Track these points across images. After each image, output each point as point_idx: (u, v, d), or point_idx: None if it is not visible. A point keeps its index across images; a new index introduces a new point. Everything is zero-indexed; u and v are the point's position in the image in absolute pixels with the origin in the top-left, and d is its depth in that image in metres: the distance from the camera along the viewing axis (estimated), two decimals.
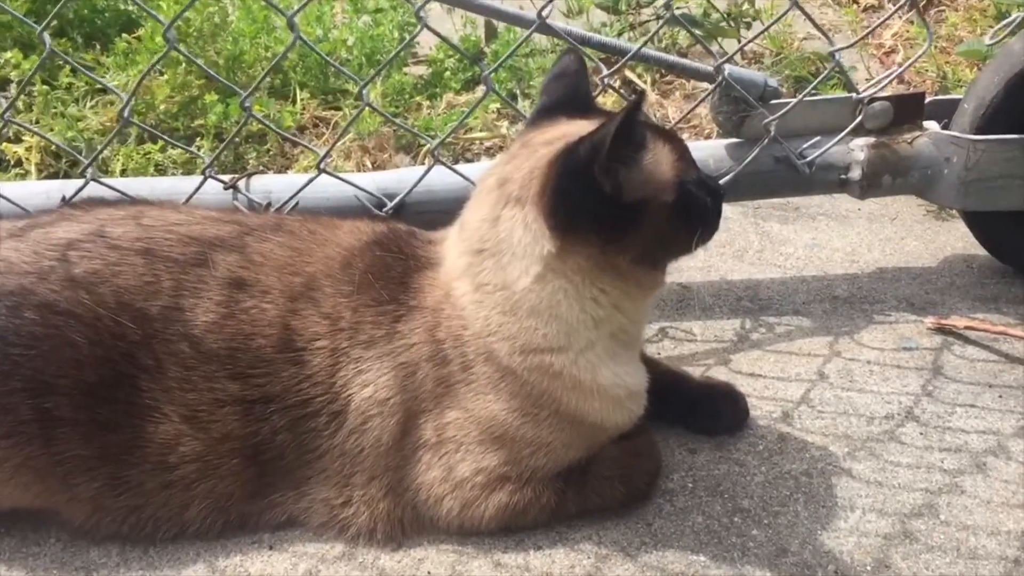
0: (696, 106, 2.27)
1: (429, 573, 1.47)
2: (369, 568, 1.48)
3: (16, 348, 1.42)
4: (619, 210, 1.41)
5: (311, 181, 1.94)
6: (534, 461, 1.51)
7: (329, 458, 1.51)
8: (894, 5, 2.12)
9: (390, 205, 1.97)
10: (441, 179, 2.01)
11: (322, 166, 1.91)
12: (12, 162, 2.65)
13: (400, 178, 2.02)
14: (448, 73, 3.11)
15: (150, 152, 2.62)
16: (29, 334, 1.43)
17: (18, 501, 1.50)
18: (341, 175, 1.99)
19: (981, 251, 2.29)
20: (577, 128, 1.47)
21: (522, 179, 1.46)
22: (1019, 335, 1.99)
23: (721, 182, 1.97)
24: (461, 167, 2.02)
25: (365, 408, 1.49)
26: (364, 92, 1.83)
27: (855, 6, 3.67)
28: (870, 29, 2.28)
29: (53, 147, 2.65)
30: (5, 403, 1.42)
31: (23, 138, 2.69)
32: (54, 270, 1.48)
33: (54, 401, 1.43)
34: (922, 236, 2.45)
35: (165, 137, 2.12)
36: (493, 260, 1.48)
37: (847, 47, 2.04)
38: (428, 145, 1.94)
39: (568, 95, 1.59)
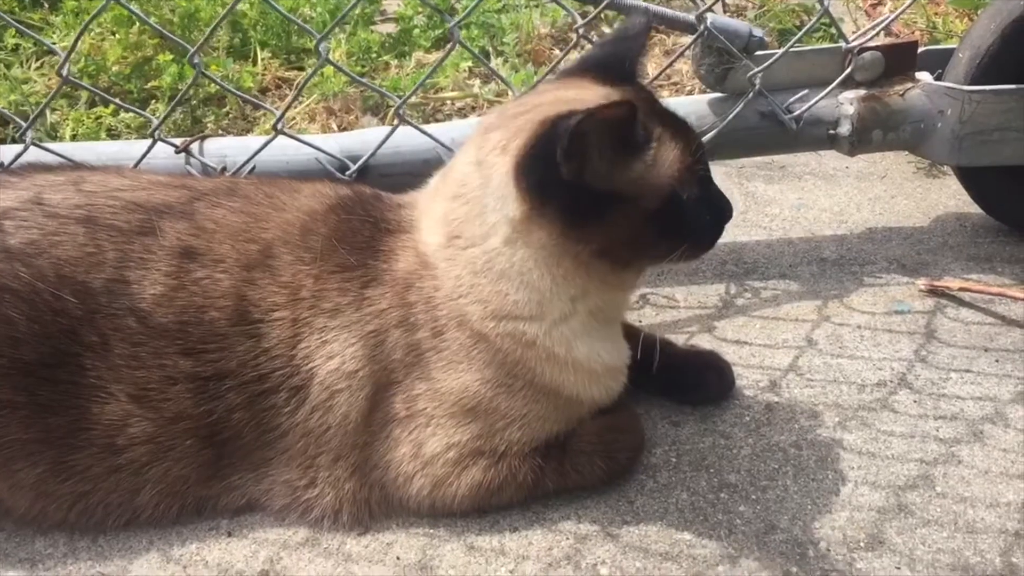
0: (675, 59, 2.16)
1: (398, 558, 1.39)
2: (335, 554, 1.40)
3: None
4: (586, 198, 1.32)
5: (268, 143, 1.82)
6: (509, 434, 1.42)
7: (292, 437, 1.41)
8: None
9: (353, 168, 1.85)
10: (408, 140, 1.90)
11: (279, 126, 1.79)
12: None
13: (364, 139, 1.91)
14: (417, 31, 2.98)
15: (101, 116, 2.48)
16: None
17: None
18: (301, 136, 1.88)
19: (974, 209, 2.21)
20: (591, 95, 1.38)
21: (515, 129, 1.36)
22: (1016, 296, 1.91)
23: (703, 139, 1.87)
24: (429, 127, 1.92)
25: (331, 382, 1.39)
26: (322, 47, 1.70)
27: None
28: None
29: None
30: None
31: None
32: None
33: None
34: (912, 194, 2.36)
35: (114, 100, 1.98)
36: (467, 208, 1.39)
37: None
38: (395, 105, 1.81)
39: (612, 58, 1.49)
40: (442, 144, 1.88)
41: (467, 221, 1.39)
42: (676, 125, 1.40)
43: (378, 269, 1.43)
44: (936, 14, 2.94)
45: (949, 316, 1.91)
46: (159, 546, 1.41)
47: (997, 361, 1.78)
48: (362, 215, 1.48)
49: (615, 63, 1.47)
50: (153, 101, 2.60)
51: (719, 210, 1.44)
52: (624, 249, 1.38)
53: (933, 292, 1.96)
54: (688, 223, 1.38)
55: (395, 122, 1.89)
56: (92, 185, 1.47)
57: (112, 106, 2.49)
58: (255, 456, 1.43)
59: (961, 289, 1.94)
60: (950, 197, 2.33)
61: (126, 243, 1.40)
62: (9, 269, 1.35)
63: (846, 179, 2.43)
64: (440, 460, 1.42)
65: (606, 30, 3.06)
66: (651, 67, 2.85)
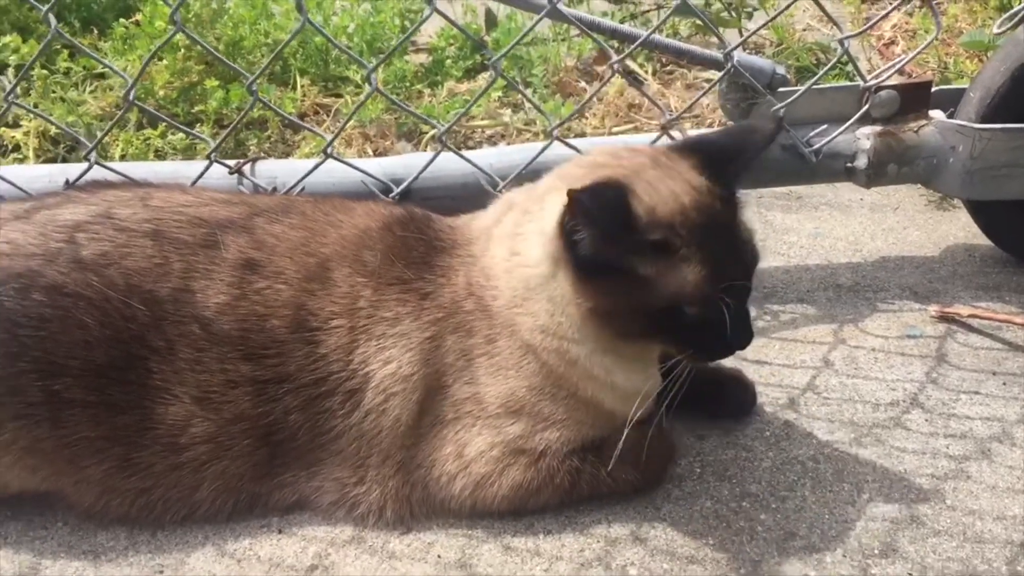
0: (703, 94, 2.26)
1: (439, 556, 1.48)
2: (379, 552, 1.48)
3: (25, 330, 1.41)
4: (588, 259, 1.39)
5: (317, 166, 1.93)
6: (548, 435, 1.51)
7: (345, 440, 1.51)
8: (934, 18, 2.11)
9: (397, 190, 1.96)
10: (448, 165, 2.00)
11: (328, 151, 1.90)
12: (10, 147, 2.64)
13: (407, 164, 2.02)
14: (449, 61, 3.10)
15: (150, 137, 2.60)
16: (38, 316, 1.42)
17: (25, 484, 1.50)
18: (348, 160, 1.98)
19: (983, 241, 2.30)
20: (666, 177, 1.42)
21: (584, 171, 1.48)
22: (1022, 323, 2.00)
23: None
24: (468, 153, 2.02)
25: (387, 385, 1.49)
26: (372, 77, 1.82)
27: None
28: (876, 20, 2.27)
29: (52, 132, 2.63)
30: (14, 385, 1.41)
31: (21, 123, 2.67)
32: (62, 252, 1.47)
33: (63, 383, 1.42)
34: (924, 226, 2.46)
35: (170, 120, 2.10)
36: (531, 226, 1.49)
37: (855, 35, 2.04)
38: (432, 131, 1.94)
39: (724, 152, 1.49)
40: (481, 169, 1.98)
41: (527, 239, 1.49)
42: (720, 250, 1.39)
43: (436, 283, 1.53)
44: (947, 54, 3.05)
45: (959, 341, 2.00)
46: (214, 541, 1.50)
47: (1004, 384, 1.87)
48: (416, 233, 1.59)
49: (724, 158, 1.47)
50: (199, 125, 2.72)
51: (732, 337, 1.43)
52: (621, 322, 1.42)
53: (944, 318, 2.05)
54: (687, 336, 1.42)
55: (434, 147, 1.99)
56: (158, 201, 1.58)
57: (160, 128, 2.61)
58: (308, 456, 1.52)
59: (971, 316, 2.03)
60: (960, 229, 2.42)
61: (191, 255, 1.50)
62: (83, 278, 1.45)
63: (861, 210, 2.53)
64: (483, 459, 1.50)
65: (630, 63, 3.17)
66: (674, 101, 2.97)
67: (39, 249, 1.47)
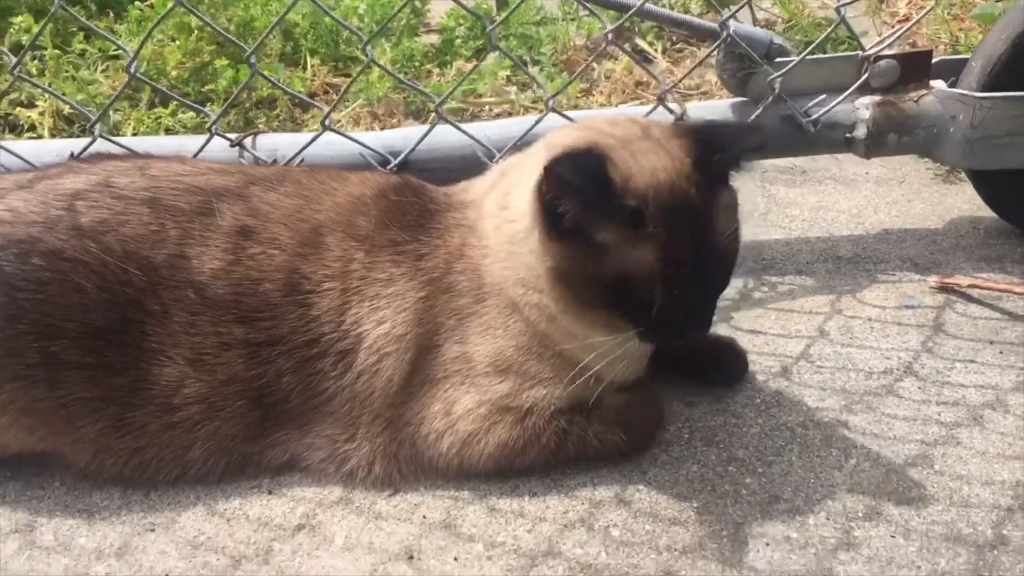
0: (699, 64, 2.26)
1: (424, 517, 1.50)
2: (365, 512, 1.51)
3: (23, 293, 1.45)
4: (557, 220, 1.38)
5: (316, 138, 1.95)
6: (535, 392, 1.53)
7: (338, 401, 1.53)
8: None
9: (394, 162, 1.98)
10: (446, 137, 2.02)
11: (327, 123, 1.93)
12: (26, 126, 2.70)
13: (405, 136, 2.04)
14: (459, 41, 3.12)
15: (161, 116, 2.65)
16: (36, 279, 1.46)
17: (23, 445, 1.53)
18: (346, 133, 2.01)
19: (988, 213, 2.28)
20: (653, 151, 1.40)
21: (575, 134, 1.49)
22: (1022, 292, 1.98)
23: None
24: (466, 125, 2.04)
25: (380, 346, 1.51)
26: (369, 50, 1.83)
27: None
28: None
29: (66, 112, 2.69)
30: (12, 346, 1.45)
31: (36, 103, 2.73)
32: (61, 219, 1.50)
33: (60, 344, 1.46)
34: (929, 199, 2.43)
35: (175, 96, 2.14)
36: (519, 184, 1.51)
37: (851, 1, 2.02)
38: (434, 105, 1.94)
39: (716, 139, 1.44)
40: (478, 141, 2.00)
41: (515, 197, 1.51)
42: (684, 236, 1.35)
43: (431, 244, 1.56)
44: (960, 29, 3.01)
45: (957, 311, 1.98)
46: (205, 501, 1.53)
47: (1001, 353, 1.85)
48: (411, 198, 1.61)
49: (714, 148, 1.42)
50: (209, 104, 2.76)
51: (680, 325, 1.41)
52: (578, 286, 1.41)
53: (943, 289, 2.03)
54: (637, 314, 1.40)
55: (434, 120, 2.01)
56: (156, 170, 1.61)
57: (171, 107, 2.66)
58: (301, 417, 1.54)
59: (970, 286, 2.01)
60: (965, 202, 2.40)
61: (187, 222, 1.53)
62: (81, 244, 1.48)
63: (865, 184, 2.51)
64: (470, 417, 1.52)
65: (640, 42, 3.17)
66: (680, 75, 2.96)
67: (39, 217, 1.51)
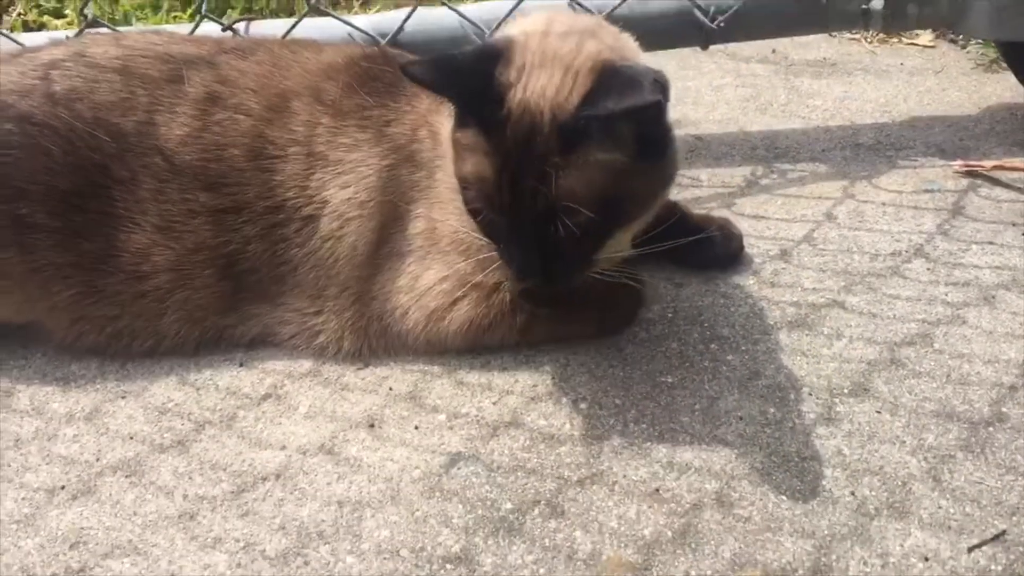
0: None
1: (391, 389, 1.47)
2: (332, 384, 1.49)
3: None
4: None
5: (302, 18, 1.91)
6: (499, 273, 1.45)
7: (303, 270, 1.51)
8: None
9: (383, 41, 1.93)
10: (439, 18, 1.96)
11: (313, 2, 1.88)
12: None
13: (395, 18, 1.98)
14: None
15: (180, 19, 2.65)
16: (4, 143, 1.46)
17: (3, 313, 1.55)
18: (335, 14, 1.96)
19: None
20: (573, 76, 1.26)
21: (520, 27, 1.38)
22: None
23: (726, 14, 1.86)
24: (460, 6, 1.97)
25: (343, 211, 1.48)
26: None
27: None
28: None
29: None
30: None
31: (64, 13, 2.76)
32: (36, 88, 1.50)
33: (28, 207, 1.46)
34: (966, 87, 2.28)
35: None
36: None
37: None
38: None
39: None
40: (469, 20, 1.93)
41: None
42: (507, 175, 1.23)
43: (400, 110, 1.51)
44: None
45: (980, 195, 1.85)
46: (178, 372, 1.53)
47: (1023, 235, 1.72)
48: (383, 64, 1.56)
49: (608, 95, 1.23)
50: (230, 11, 2.75)
51: (508, 260, 1.32)
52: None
53: (969, 172, 1.90)
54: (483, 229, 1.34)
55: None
56: (130, 40, 1.60)
57: (189, 11, 2.66)
58: (271, 289, 1.52)
59: (995, 168, 1.87)
60: (1006, 90, 2.23)
61: (157, 89, 1.52)
62: (51, 111, 1.48)
63: (899, 75, 2.36)
64: (434, 292, 1.48)
65: None
66: None
67: (15, 86, 1.51)
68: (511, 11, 1.88)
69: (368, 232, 1.49)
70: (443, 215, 1.47)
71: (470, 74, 1.26)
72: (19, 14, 2.72)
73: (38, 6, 2.77)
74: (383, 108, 1.51)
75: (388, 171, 1.48)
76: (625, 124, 1.23)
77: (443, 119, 1.46)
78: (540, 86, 1.23)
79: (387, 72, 1.55)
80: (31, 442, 1.40)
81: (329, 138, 1.50)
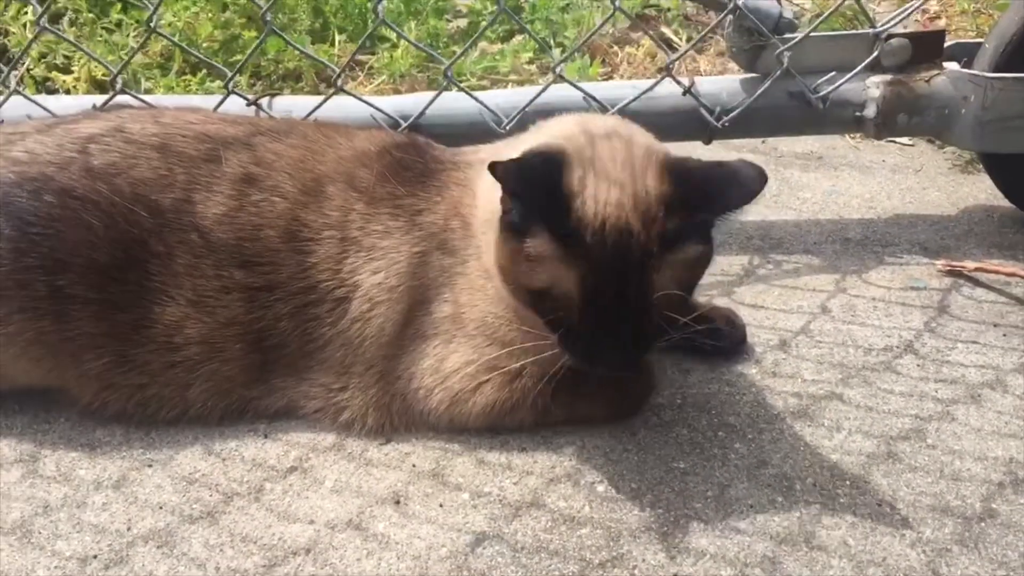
0: (705, 33, 2.29)
1: (414, 466, 1.52)
2: (357, 459, 1.54)
3: (34, 228, 1.50)
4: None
5: (327, 99, 1.99)
6: (524, 361, 1.52)
7: (332, 347, 1.56)
8: None
9: (404, 125, 2.01)
10: (457, 103, 2.05)
11: (339, 83, 1.96)
12: (62, 91, 2.77)
13: (417, 102, 2.06)
14: (485, 23, 3.14)
15: (190, 82, 2.71)
16: (47, 215, 1.51)
17: (31, 377, 1.58)
18: (358, 95, 2.04)
19: (1004, 203, 2.26)
20: (633, 179, 1.36)
21: (559, 131, 1.49)
22: None
23: (731, 115, 1.98)
24: (477, 93, 2.06)
25: (374, 294, 1.54)
26: (380, 7, 1.86)
27: None
28: None
29: (99, 75, 2.76)
30: (21, 279, 1.50)
31: (72, 69, 2.81)
32: (74, 161, 1.55)
33: (67, 279, 1.50)
34: (944, 187, 2.42)
35: (199, 55, 2.19)
36: (515, 149, 1.48)
37: None
38: (443, 67, 1.96)
39: (698, 194, 1.37)
40: (488, 108, 2.02)
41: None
42: (611, 284, 1.31)
43: (430, 200, 1.58)
44: (987, 24, 2.98)
45: (963, 294, 1.97)
46: (203, 442, 1.57)
47: (1005, 335, 1.84)
48: (414, 155, 1.64)
49: (693, 198, 1.36)
50: (238, 75, 2.81)
51: (591, 357, 1.37)
52: (510, 281, 1.41)
53: (951, 272, 2.02)
54: (556, 326, 1.38)
55: (444, 84, 2.03)
56: (168, 118, 1.66)
57: (199, 75, 2.72)
58: (298, 363, 1.58)
59: (977, 269, 2.00)
60: (981, 191, 2.38)
61: (194, 168, 1.57)
62: (91, 185, 1.53)
63: (881, 171, 2.50)
64: (459, 375, 1.54)
65: (665, 30, 3.18)
66: (704, 65, 2.97)
67: (54, 158, 1.56)
68: (531, 101, 1.98)
69: (395, 315, 1.55)
70: (471, 300, 1.55)
71: (541, 183, 1.33)
72: (28, 69, 2.76)
73: (46, 62, 2.80)
74: (414, 197, 1.58)
75: (419, 257, 1.55)
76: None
77: (475, 210, 1.55)
78: (614, 196, 1.32)
79: (418, 162, 1.63)
80: (60, 509, 1.42)
81: (363, 224, 1.56)
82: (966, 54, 2.11)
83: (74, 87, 2.75)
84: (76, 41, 2.48)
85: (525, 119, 1.98)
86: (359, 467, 1.52)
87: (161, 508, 1.43)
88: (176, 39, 2.80)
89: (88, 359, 1.54)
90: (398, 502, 1.44)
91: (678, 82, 2.01)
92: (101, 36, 2.84)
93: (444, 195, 1.59)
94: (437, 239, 1.56)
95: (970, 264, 2.00)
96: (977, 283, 2.00)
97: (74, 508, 1.43)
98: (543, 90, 1.99)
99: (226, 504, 1.44)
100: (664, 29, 3.17)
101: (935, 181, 2.45)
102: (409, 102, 2.07)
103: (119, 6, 2.97)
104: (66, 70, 2.80)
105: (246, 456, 1.54)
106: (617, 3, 1.94)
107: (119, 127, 1.62)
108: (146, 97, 2.05)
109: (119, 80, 1.96)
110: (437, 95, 2.00)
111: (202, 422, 1.59)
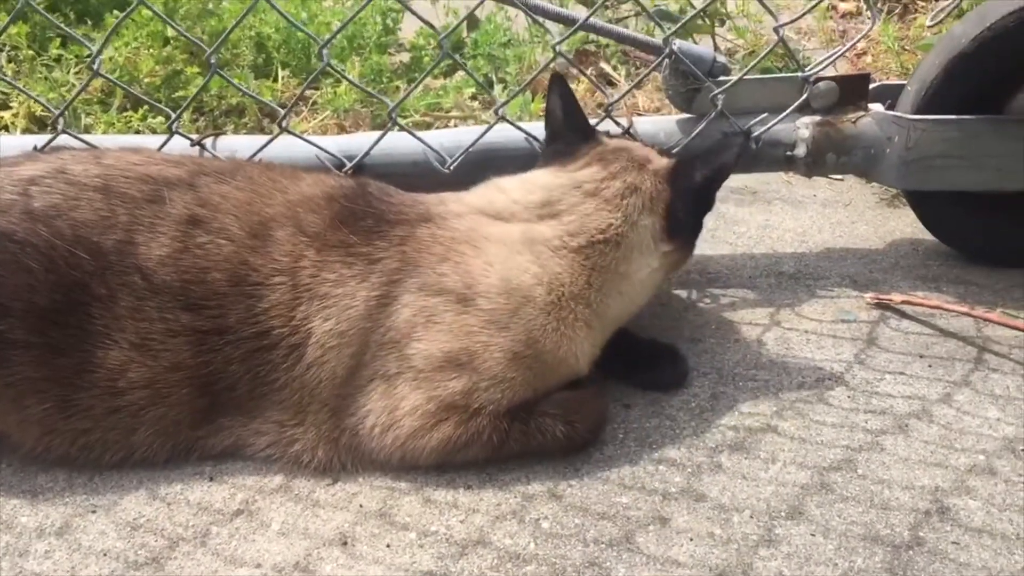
0: (643, 78, 2.37)
1: (361, 506, 1.53)
2: (304, 500, 1.54)
3: None
4: None
5: (272, 139, 2.00)
6: (490, 394, 1.56)
7: (288, 390, 1.57)
8: (871, 12, 2.19)
9: (349, 165, 2.03)
10: (401, 143, 2.07)
11: (284, 124, 1.98)
12: (0, 128, 2.74)
13: (362, 142, 2.08)
14: (427, 59, 3.19)
15: (131, 120, 2.70)
16: None
17: None
18: (304, 136, 2.06)
19: (928, 236, 2.35)
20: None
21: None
22: (953, 309, 2.05)
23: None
24: (421, 133, 2.09)
25: (324, 340, 1.55)
26: (325, 53, 1.89)
27: (834, 12, 3.76)
28: (804, 11, 2.30)
29: (39, 112, 2.73)
30: None
31: (11, 104, 2.78)
32: (15, 204, 1.54)
33: (7, 323, 1.49)
34: (872, 221, 2.52)
35: (141, 96, 2.19)
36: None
37: (789, 23, 2.11)
38: (389, 109, 2.00)
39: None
40: (431, 148, 2.06)
41: (583, 209, 1.71)
42: None
43: (388, 250, 1.61)
44: (912, 63, 3.11)
45: (891, 326, 2.05)
46: (147, 485, 1.56)
47: (930, 366, 1.92)
48: (364, 206, 1.66)
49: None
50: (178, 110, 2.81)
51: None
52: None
53: (879, 305, 2.10)
54: None
55: (389, 126, 2.06)
56: (110, 159, 1.65)
57: (141, 111, 2.71)
58: (249, 404, 1.58)
59: (904, 302, 2.08)
60: (907, 225, 2.48)
61: (137, 209, 1.57)
62: (31, 228, 1.52)
63: (812, 205, 2.59)
64: (416, 413, 1.55)
65: (604, 66, 3.25)
66: (642, 101, 3.05)
67: None
68: (475, 141, 2.02)
69: (345, 358, 1.57)
70: (455, 337, 1.57)
71: None
72: None
73: None
74: (370, 247, 1.61)
75: (378, 302, 1.57)
76: None
77: (473, 260, 1.60)
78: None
79: (369, 213, 1.65)
80: (1, 559, 1.40)
81: (315, 272, 1.58)
82: (890, 96, 2.21)
83: (12, 123, 2.72)
84: (14, 79, 2.45)
85: (468, 159, 2.03)
86: (306, 508, 1.52)
87: (105, 555, 1.42)
88: (117, 75, 2.81)
89: (30, 404, 1.52)
90: (345, 543, 1.45)
91: (617, 123, 2.07)
92: (41, 72, 2.82)
93: (410, 244, 1.62)
94: (406, 284, 1.58)
95: (897, 297, 2.09)
96: (904, 315, 2.09)
97: (16, 557, 1.41)
98: (487, 130, 2.03)
99: (172, 550, 1.43)
100: (603, 65, 3.24)
101: (863, 215, 2.55)
102: (355, 143, 2.09)
103: (58, 41, 2.96)
104: (4, 106, 2.77)
105: (191, 500, 1.54)
106: (559, 48, 1.99)
107: (61, 168, 1.61)
108: (89, 138, 2.04)
109: (60, 121, 1.95)
110: (382, 135, 2.03)
111: (147, 465, 1.58)
